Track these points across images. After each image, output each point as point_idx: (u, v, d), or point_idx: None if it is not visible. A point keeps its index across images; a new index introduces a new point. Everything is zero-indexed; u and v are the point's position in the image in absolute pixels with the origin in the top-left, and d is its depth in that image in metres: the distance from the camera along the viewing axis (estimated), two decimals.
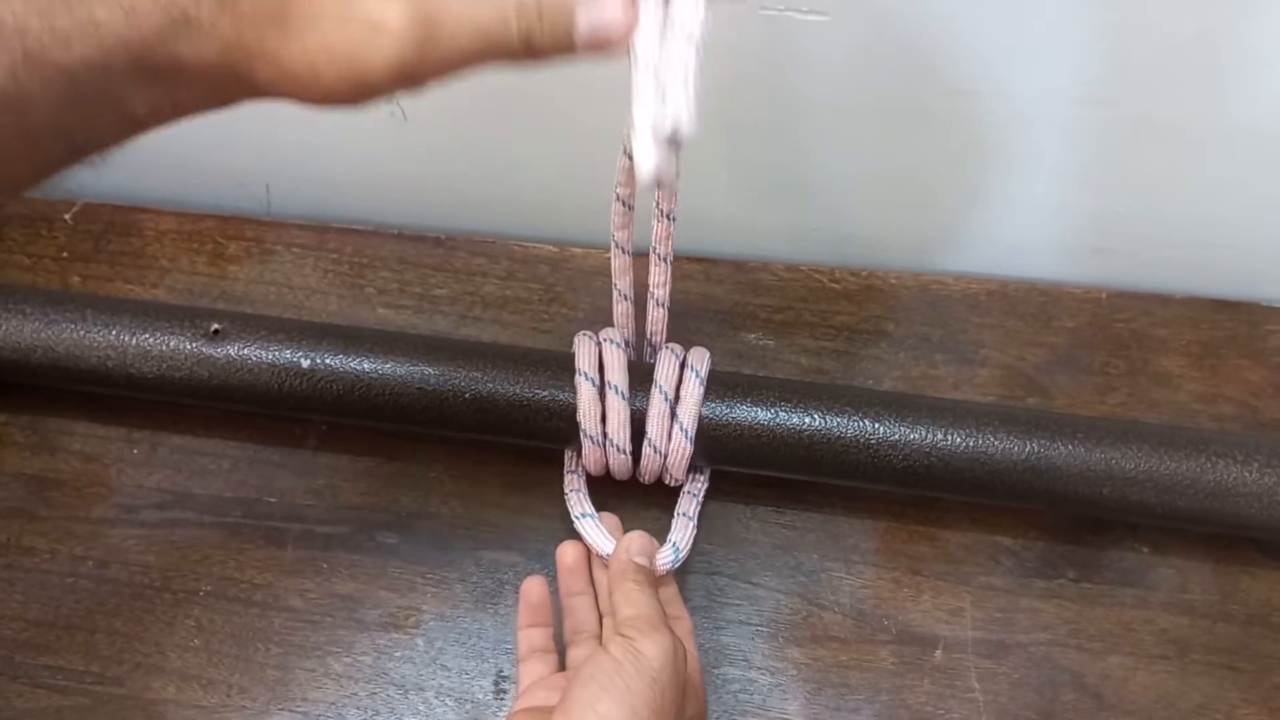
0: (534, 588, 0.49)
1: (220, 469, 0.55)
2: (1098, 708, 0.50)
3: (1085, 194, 0.57)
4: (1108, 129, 0.52)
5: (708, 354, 0.50)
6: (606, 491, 0.52)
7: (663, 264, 0.47)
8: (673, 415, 0.48)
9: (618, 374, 0.48)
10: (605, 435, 0.48)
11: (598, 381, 0.49)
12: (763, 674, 0.51)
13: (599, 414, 0.48)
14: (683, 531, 0.50)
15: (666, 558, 0.47)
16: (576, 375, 0.49)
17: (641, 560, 0.45)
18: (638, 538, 0.46)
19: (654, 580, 0.45)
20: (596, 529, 0.48)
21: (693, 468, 0.51)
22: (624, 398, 0.48)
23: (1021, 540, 0.54)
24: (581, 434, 0.49)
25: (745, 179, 0.59)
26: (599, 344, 0.50)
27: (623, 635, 0.40)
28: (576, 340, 0.50)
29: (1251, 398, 0.57)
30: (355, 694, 0.50)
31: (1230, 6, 0.45)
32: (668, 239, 0.46)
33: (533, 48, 0.31)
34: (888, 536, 0.54)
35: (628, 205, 0.54)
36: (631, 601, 0.42)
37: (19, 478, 0.55)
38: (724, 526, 0.54)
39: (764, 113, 0.54)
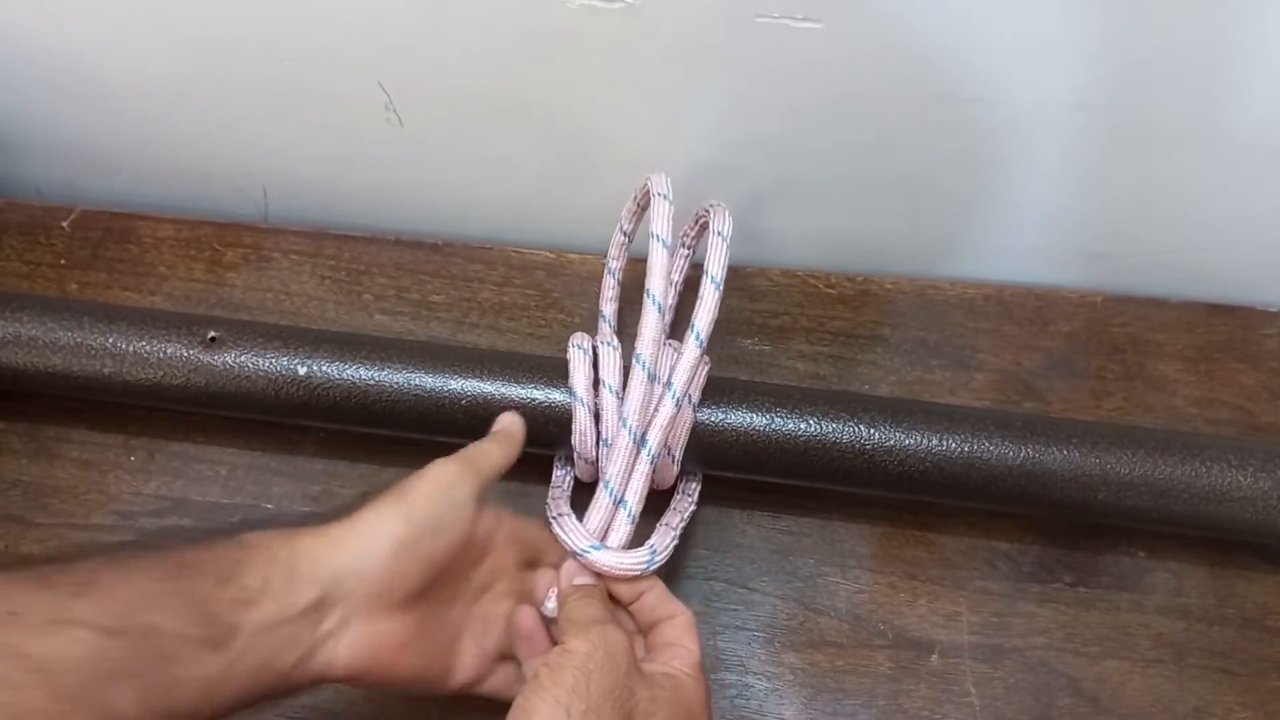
0: (524, 619, 0.47)
1: (217, 476, 0.55)
2: (1094, 712, 0.50)
3: (1081, 199, 0.57)
4: (1103, 135, 0.52)
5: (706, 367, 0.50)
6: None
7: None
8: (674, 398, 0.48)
9: (613, 375, 0.49)
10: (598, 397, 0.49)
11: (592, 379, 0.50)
12: (759, 679, 0.51)
13: (591, 426, 0.49)
14: (662, 538, 0.48)
15: (641, 558, 0.46)
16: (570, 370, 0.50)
17: (581, 581, 0.45)
18: (571, 563, 0.46)
19: (596, 592, 0.44)
20: (574, 527, 0.46)
21: (685, 474, 0.51)
22: (616, 394, 0.49)
23: (1017, 545, 0.54)
24: (572, 396, 0.49)
25: (741, 185, 0.59)
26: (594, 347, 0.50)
27: (557, 643, 0.41)
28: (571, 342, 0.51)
29: (1247, 402, 0.57)
30: (353, 700, 0.50)
31: (1225, 14, 0.45)
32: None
33: None
34: (884, 541, 0.54)
35: (628, 237, 0.55)
36: (571, 613, 0.43)
37: (17, 485, 0.55)
38: (720, 532, 0.54)
39: (759, 119, 0.54)
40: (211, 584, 0.37)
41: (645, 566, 0.46)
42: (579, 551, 0.45)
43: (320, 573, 0.39)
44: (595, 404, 0.49)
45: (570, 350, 0.50)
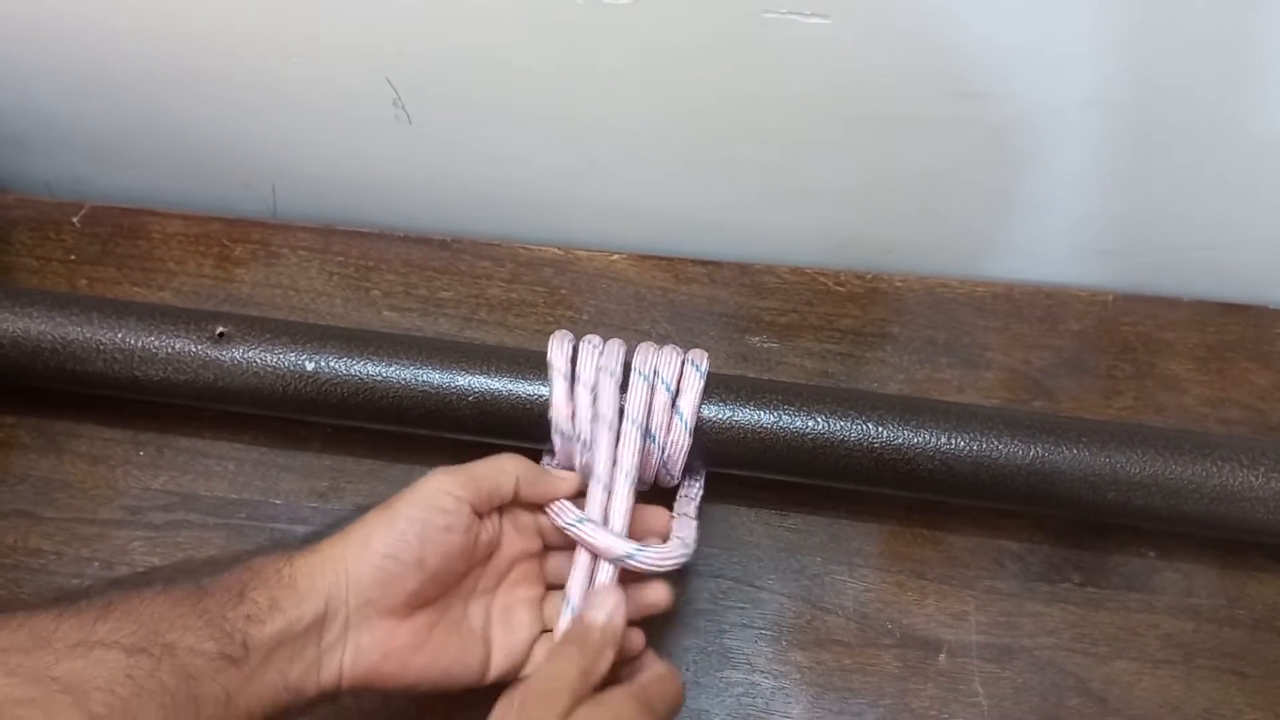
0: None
1: (225, 471, 0.56)
2: (1102, 713, 0.50)
3: (1091, 196, 0.57)
4: (1114, 131, 0.52)
5: (707, 355, 0.50)
6: None
7: None
8: (674, 406, 0.48)
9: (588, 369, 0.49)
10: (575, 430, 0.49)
11: (569, 375, 0.49)
12: (766, 678, 0.51)
13: (569, 412, 0.49)
14: (684, 528, 0.48)
15: (676, 553, 0.46)
16: (551, 371, 0.49)
17: (604, 620, 0.43)
18: (613, 595, 0.44)
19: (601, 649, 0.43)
20: (601, 534, 0.46)
21: (689, 470, 0.51)
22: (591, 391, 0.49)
23: (1026, 544, 0.54)
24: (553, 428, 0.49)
25: (749, 182, 0.59)
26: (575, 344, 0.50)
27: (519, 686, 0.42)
28: (552, 339, 0.50)
29: (1259, 401, 0.57)
30: (358, 694, 0.50)
31: (1239, 9, 0.45)
32: None
33: None
34: (891, 540, 0.54)
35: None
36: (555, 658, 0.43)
37: (26, 479, 0.55)
38: (727, 529, 0.54)
39: (767, 116, 0.53)
40: (224, 604, 0.39)
41: (682, 558, 0.46)
42: (623, 556, 0.45)
43: (318, 586, 0.41)
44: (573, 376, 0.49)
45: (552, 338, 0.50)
